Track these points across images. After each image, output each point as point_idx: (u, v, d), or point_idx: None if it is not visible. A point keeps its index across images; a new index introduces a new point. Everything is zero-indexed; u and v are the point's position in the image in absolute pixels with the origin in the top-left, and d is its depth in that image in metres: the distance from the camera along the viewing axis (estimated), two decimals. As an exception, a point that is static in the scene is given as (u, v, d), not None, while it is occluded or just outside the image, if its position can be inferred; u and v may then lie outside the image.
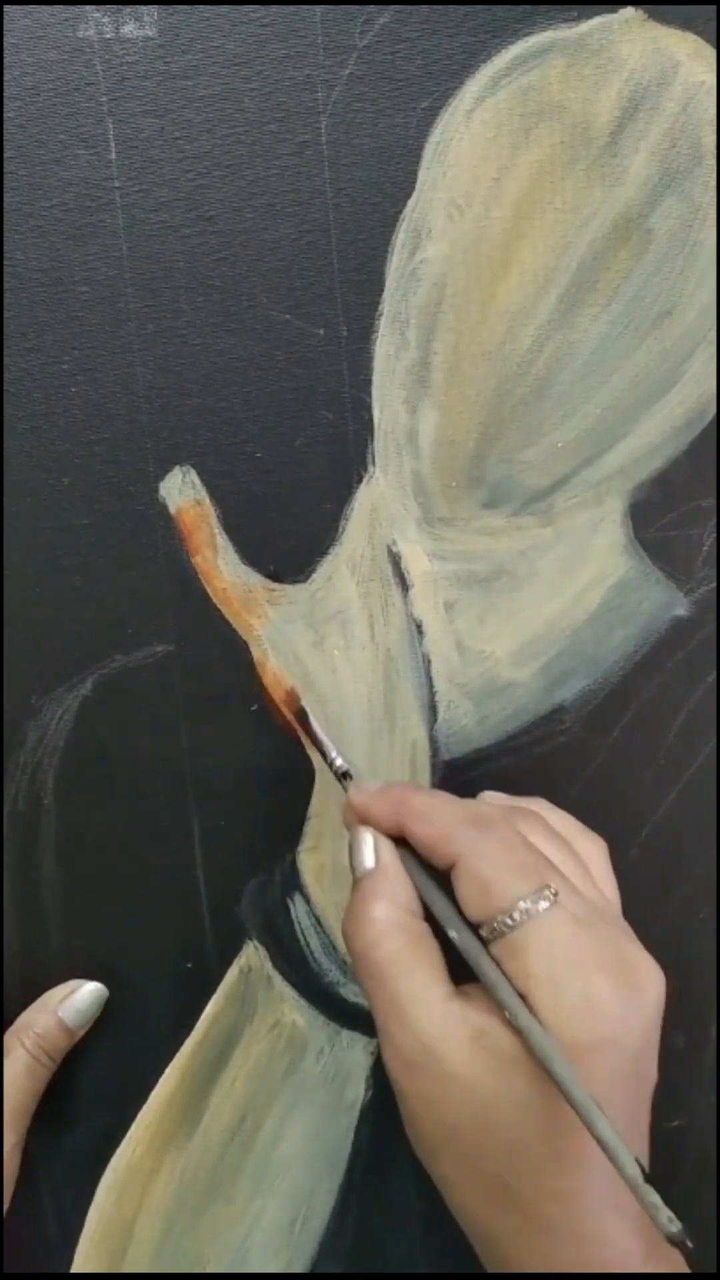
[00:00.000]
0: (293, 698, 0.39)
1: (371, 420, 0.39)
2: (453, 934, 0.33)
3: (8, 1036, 0.38)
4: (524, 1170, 0.31)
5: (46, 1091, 0.39)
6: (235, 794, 0.40)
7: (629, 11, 0.38)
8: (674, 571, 0.41)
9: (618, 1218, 0.30)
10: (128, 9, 0.36)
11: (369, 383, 0.39)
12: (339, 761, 0.37)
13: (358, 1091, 0.42)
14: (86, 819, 0.40)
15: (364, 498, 0.39)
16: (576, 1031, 0.30)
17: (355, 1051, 0.41)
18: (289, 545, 0.39)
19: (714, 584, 0.41)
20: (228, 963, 0.41)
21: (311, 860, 0.41)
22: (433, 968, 0.33)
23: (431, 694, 0.40)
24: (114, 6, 0.36)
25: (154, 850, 0.40)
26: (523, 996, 0.31)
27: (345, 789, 0.37)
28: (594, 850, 0.37)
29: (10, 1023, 0.39)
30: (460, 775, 0.41)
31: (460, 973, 0.33)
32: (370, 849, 0.35)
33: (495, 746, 0.41)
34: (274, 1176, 0.41)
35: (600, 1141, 0.28)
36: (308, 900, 0.41)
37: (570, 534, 0.40)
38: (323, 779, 0.40)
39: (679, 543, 0.41)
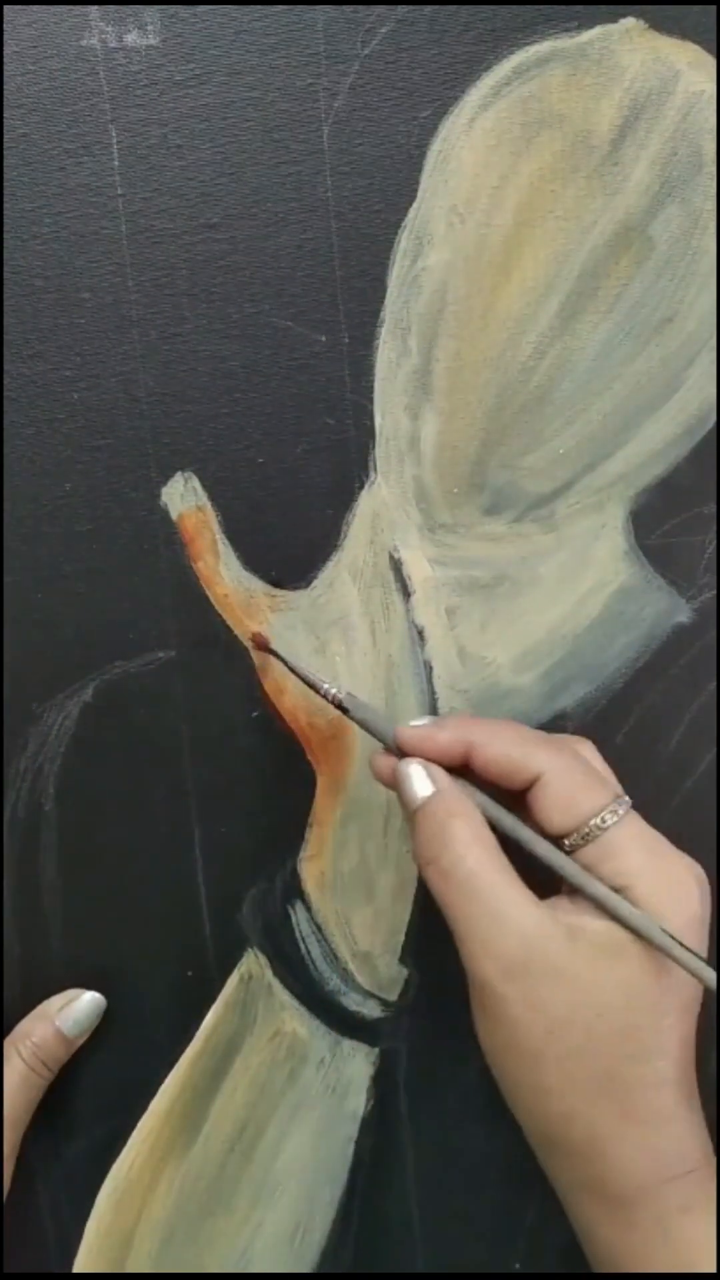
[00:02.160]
0: (260, 640, 0.39)
1: (373, 426, 0.39)
2: (526, 842, 0.34)
3: (5, 1045, 0.38)
4: (632, 1055, 0.32)
5: (45, 1100, 0.39)
6: (236, 801, 0.40)
7: (629, 21, 0.38)
8: (675, 578, 0.41)
9: (695, 1114, 0.33)
10: (131, 19, 0.36)
11: (371, 389, 0.39)
12: (334, 691, 0.37)
13: (358, 1102, 0.41)
14: (87, 825, 0.39)
15: (366, 504, 0.39)
16: (675, 913, 0.33)
17: (356, 1061, 0.41)
18: (290, 551, 0.39)
19: (715, 591, 0.41)
20: (228, 971, 0.41)
21: (312, 868, 0.40)
22: (516, 877, 0.34)
23: (433, 700, 0.40)
24: (117, 17, 0.36)
25: (154, 857, 0.40)
26: (621, 891, 0.33)
27: (355, 719, 0.37)
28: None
29: (8, 1029, 0.39)
30: (462, 782, 0.41)
31: None
32: (425, 776, 0.35)
33: (497, 753, 0.40)
34: (274, 1187, 0.41)
35: (686, 968, 0.32)
36: (309, 908, 0.41)
37: (572, 540, 0.40)
38: (324, 785, 0.40)
39: (681, 549, 0.41)
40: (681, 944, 0.32)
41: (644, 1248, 0.33)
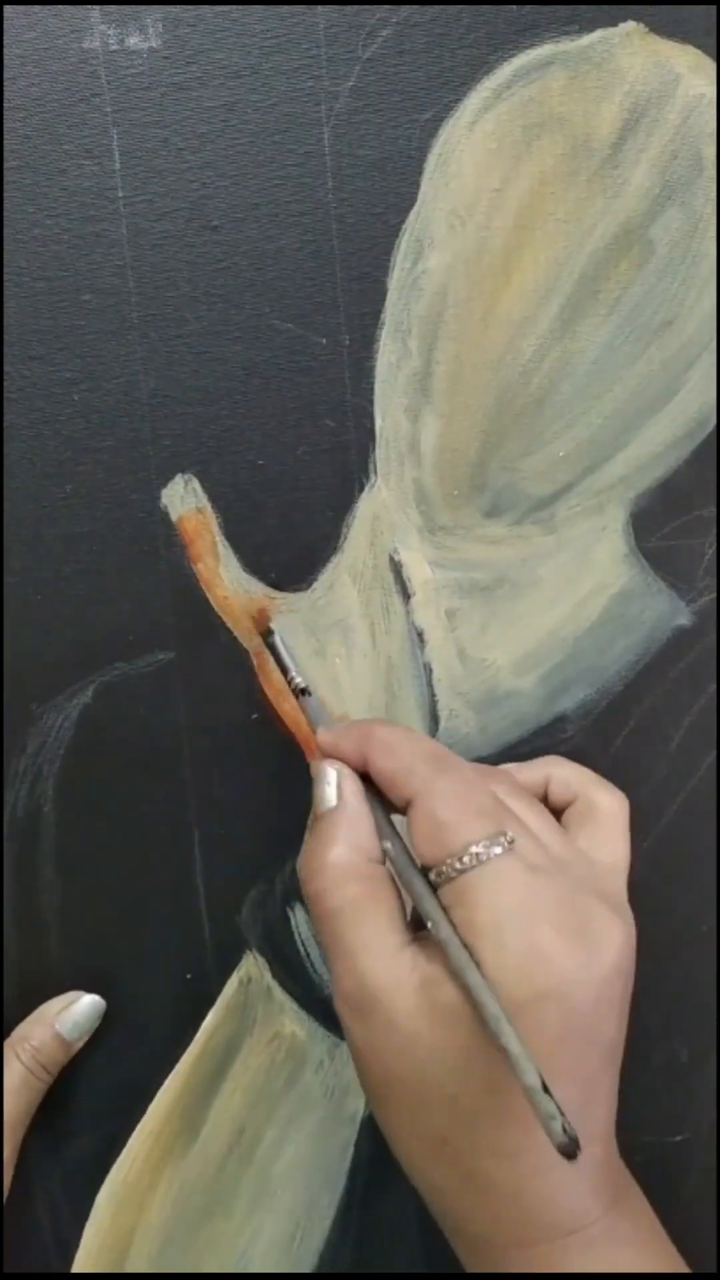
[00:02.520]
0: (263, 617, 0.39)
1: (373, 429, 0.39)
2: (399, 877, 0.32)
3: (4, 1048, 0.38)
4: (463, 1125, 0.30)
5: (44, 1103, 0.39)
6: (236, 803, 0.40)
7: (630, 25, 0.38)
8: (675, 581, 0.41)
9: (569, 1176, 0.30)
10: (133, 21, 0.36)
11: (371, 391, 0.39)
12: (298, 680, 0.37)
13: (357, 1104, 0.41)
14: (86, 827, 0.39)
15: (366, 506, 0.39)
16: (517, 983, 0.29)
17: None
18: (290, 553, 0.39)
19: (715, 593, 0.41)
20: (227, 973, 0.40)
21: (312, 870, 0.40)
22: (388, 915, 0.31)
23: (433, 702, 0.40)
24: (119, 19, 0.36)
25: (154, 859, 0.40)
26: (468, 944, 0.30)
27: (302, 706, 0.36)
28: (610, 803, 0.36)
29: (7, 1032, 0.39)
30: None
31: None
32: (333, 784, 0.33)
33: (496, 756, 0.41)
34: (273, 1190, 0.41)
35: (505, 1051, 0.27)
36: (308, 910, 0.40)
37: (572, 543, 0.40)
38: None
39: (680, 552, 0.41)
40: (507, 1022, 0.28)
41: None
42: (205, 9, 0.37)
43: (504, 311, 0.39)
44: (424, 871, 0.31)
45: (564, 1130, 0.26)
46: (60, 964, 0.40)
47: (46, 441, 0.38)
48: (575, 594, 0.40)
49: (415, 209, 0.38)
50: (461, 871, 0.30)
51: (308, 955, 0.41)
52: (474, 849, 0.30)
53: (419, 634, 0.40)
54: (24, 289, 0.37)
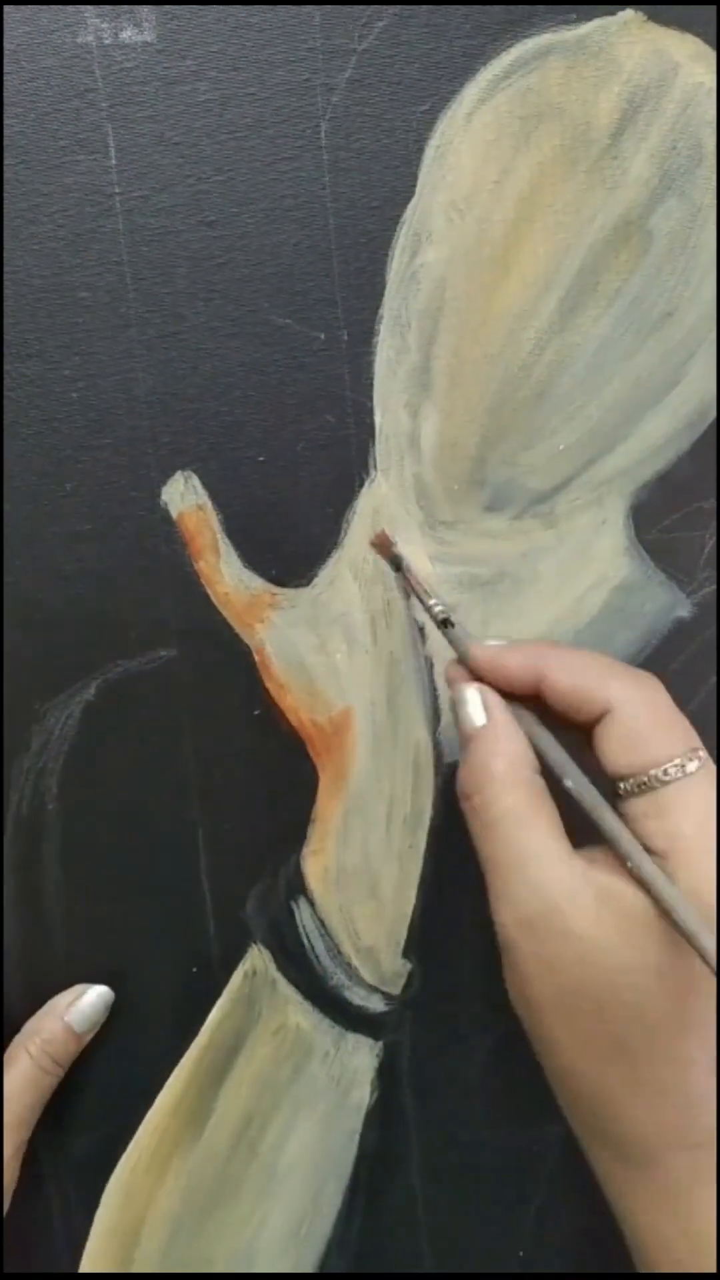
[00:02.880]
0: (385, 540, 0.38)
1: (373, 424, 0.39)
2: (570, 785, 0.32)
3: (14, 1044, 0.38)
4: (642, 1032, 0.31)
5: (53, 1096, 0.39)
6: (239, 798, 0.40)
7: (628, 13, 0.38)
8: (676, 573, 0.41)
9: None
10: (127, 15, 0.36)
11: (370, 387, 0.39)
12: (439, 608, 0.36)
13: (363, 1095, 0.42)
14: (90, 824, 0.40)
15: (366, 501, 0.39)
16: (713, 896, 0.30)
17: (360, 1055, 0.41)
18: (291, 549, 0.39)
19: (715, 585, 0.41)
20: (232, 967, 0.41)
21: (315, 864, 0.41)
22: (555, 824, 0.32)
23: (434, 697, 0.40)
24: (113, 13, 0.36)
25: (158, 855, 0.40)
26: (660, 854, 0.30)
27: (448, 637, 0.36)
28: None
29: (15, 1028, 0.39)
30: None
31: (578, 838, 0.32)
32: (480, 705, 0.34)
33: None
34: (280, 1180, 0.41)
35: (706, 958, 0.28)
36: (312, 904, 0.41)
37: (572, 536, 0.40)
38: (326, 781, 0.40)
39: (681, 544, 0.41)
40: (689, 913, 0.29)
41: (653, 1211, 0.32)
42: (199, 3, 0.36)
43: (503, 304, 0.39)
44: (613, 783, 0.32)
45: None
46: (66, 960, 0.40)
47: (46, 440, 0.38)
48: (576, 587, 0.40)
49: (413, 202, 0.38)
50: (665, 783, 0.31)
51: (312, 948, 0.41)
52: (676, 761, 0.31)
53: (420, 629, 0.40)
54: (21, 286, 0.37)
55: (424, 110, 0.38)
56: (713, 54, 0.38)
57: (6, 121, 0.36)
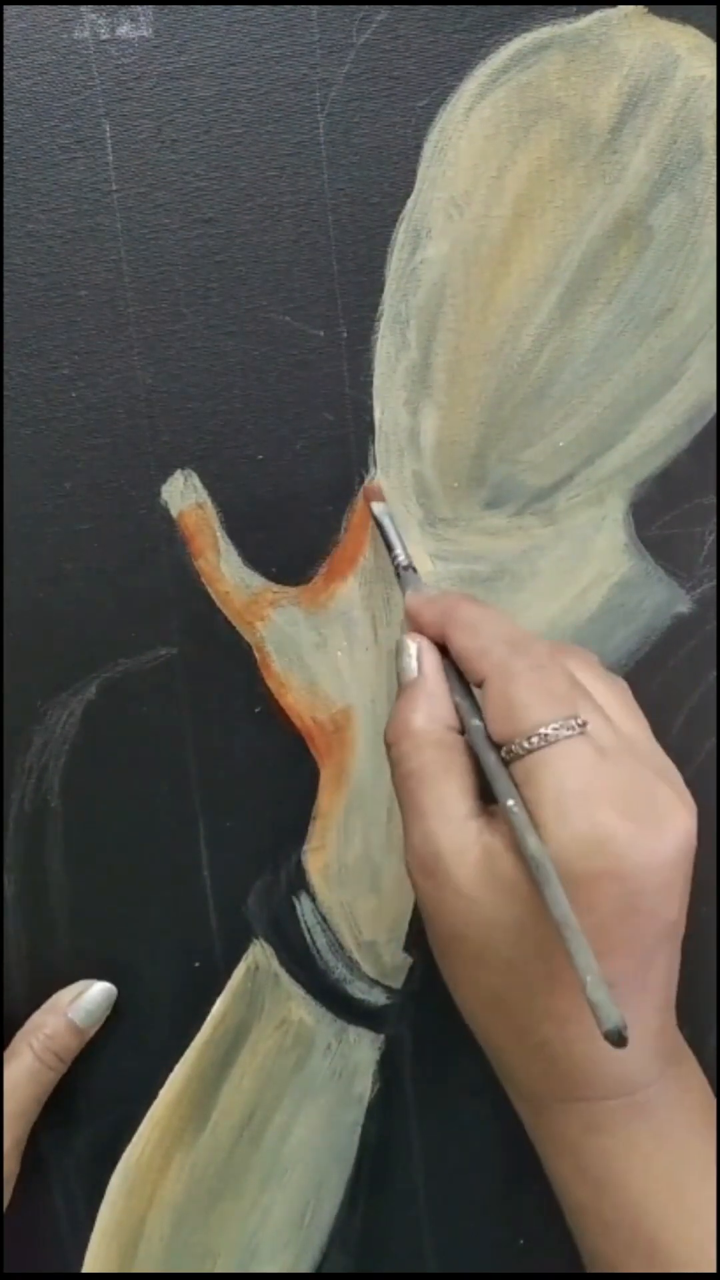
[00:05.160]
0: (376, 492, 0.39)
1: (372, 421, 0.39)
2: (478, 750, 0.33)
3: (17, 1039, 0.39)
4: (518, 987, 0.32)
5: (56, 1091, 0.39)
6: (240, 795, 0.40)
7: (628, 6, 0.37)
8: (676, 569, 0.41)
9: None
10: (123, 10, 0.36)
11: (370, 384, 0.39)
12: (401, 557, 0.37)
13: (365, 1086, 0.42)
14: (92, 821, 0.40)
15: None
16: (577, 860, 0.30)
17: (362, 1047, 0.42)
18: (291, 547, 0.39)
19: (715, 581, 0.41)
20: (235, 962, 0.41)
21: (317, 859, 0.41)
22: (460, 782, 0.33)
23: (435, 694, 0.40)
24: (109, 9, 0.36)
25: (160, 852, 0.40)
26: (533, 820, 0.31)
27: (403, 584, 0.37)
28: (615, 690, 0.36)
29: (17, 1024, 0.39)
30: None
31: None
32: (413, 657, 0.35)
33: (498, 745, 0.41)
34: (283, 1171, 0.42)
35: (560, 927, 0.28)
36: (314, 899, 0.41)
37: (572, 533, 0.40)
38: (327, 777, 0.41)
39: (681, 540, 0.41)
40: (556, 889, 0.29)
41: (552, 1156, 0.34)
42: (197, -4, 0.36)
43: (503, 301, 0.38)
44: (496, 748, 0.32)
45: (608, 1019, 0.27)
46: (70, 956, 0.40)
47: (45, 439, 0.38)
48: (576, 584, 0.40)
49: (412, 198, 0.38)
50: (530, 751, 0.31)
51: (313, 942, 0.41)
52: (543, 730, 0.31)
53: (420, 626, 0.40)
54: (19, 285, 0.37)
55: (423, 105, 0.37)
56: (713, 46, 0.38)
57: (3, 119, 0.36)
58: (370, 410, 0.39)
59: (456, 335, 0.38)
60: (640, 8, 0.37)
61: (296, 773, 0.40)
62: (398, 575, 0.38)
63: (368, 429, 0.39)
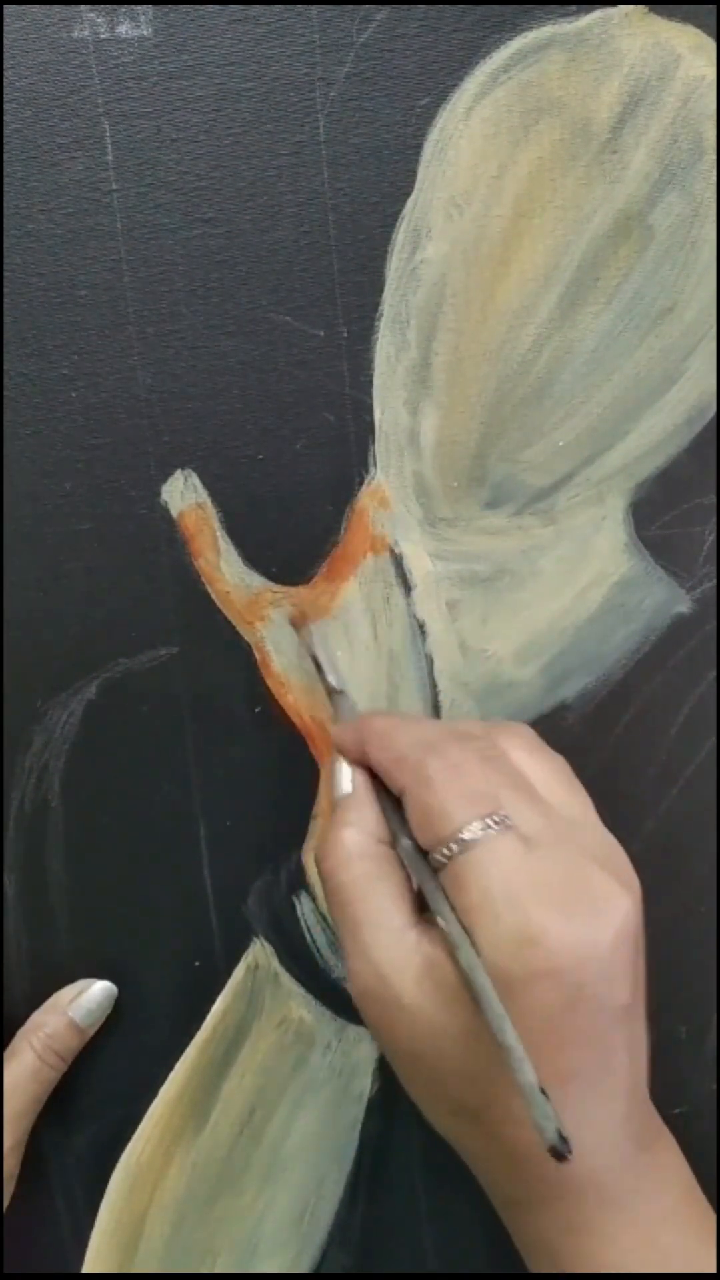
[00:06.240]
0: (302, 619, 0.39)
1: (372, 421, 0.39)
2: (407, 863, 0.33)
3: (18, 1038, 0.39)
4: (477, 1095, 0.31)
5: (56, 1090, 0.39)
6: (240, 795, 0.40)
7: (629, 5, 0.37)
8: (675, 569, 0.41)
9: (587, 1135, 0.30)
10: (123, 9, 0.36)
11: (370, 384, 0.39)
12: (331, 680, 0.38)
13: (364, 1085, 0.42)
14: (93, 821, 0.40)
15: (366, 499, 0.39)
16: (512, 962, 0.29)
17: (362, 1046, 0.42)
18: (291, 547, 0.39)
19: (715, 581, 0.41)
20: (235, 961, 0.41)
21: (317, 859, 0.41)
22: (394, 895, 0.32)
23: (434, 693, 0.41)
24: (109, 8, 0.36)
25: (160, 851, 0.40)
26: (465, 927, 0.30)
27: (333, 704, 0.37)
28: (552, 767, 0.35)
29: (17, 1024, 0.39)
30: (464, 773, 0.41)
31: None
32: (345, 775, 0.35)
33: (498, 745, 0.41)
34: (282, 1169, 0.42)
35: (503, 1049, 0.28)
36: (313, 898, 0.41)
37: (572, 533, 0.40)
38: (327, 777, 0.41)
39: (680, 540, 0.41)
40: (488, 995, 0.29)
41: (537, 1261, 0.33)
42: (196, -5, 0.36)
43: (503, 301, 0.38)
44: (425, 857, 0.32)
45: (555, 1134, 0.27)
46: (70, 956, 0.40)
47: (45, 439, 0.38)
48: (575, 584, 0.40)
49: (412, 197, 0.38)
50: (454, 855, 0.31)
51: (314, 942, 0.41)
52: (463, 834, 0.31)
53: (420, 626, 0.40)
54: (18, 285, 0.37)
55: (423, 105, 0.37)
56: (714, 46, 0.38)
57: (2, 117, 0.36)
58: (370, 410, 0.39)
59: (457, 335, 0.38)
60: (641, 7, 0.37)
61: (296, 772, 0.40)
62: (330, 698, 0.38)
63: (368, 429, 0.39)
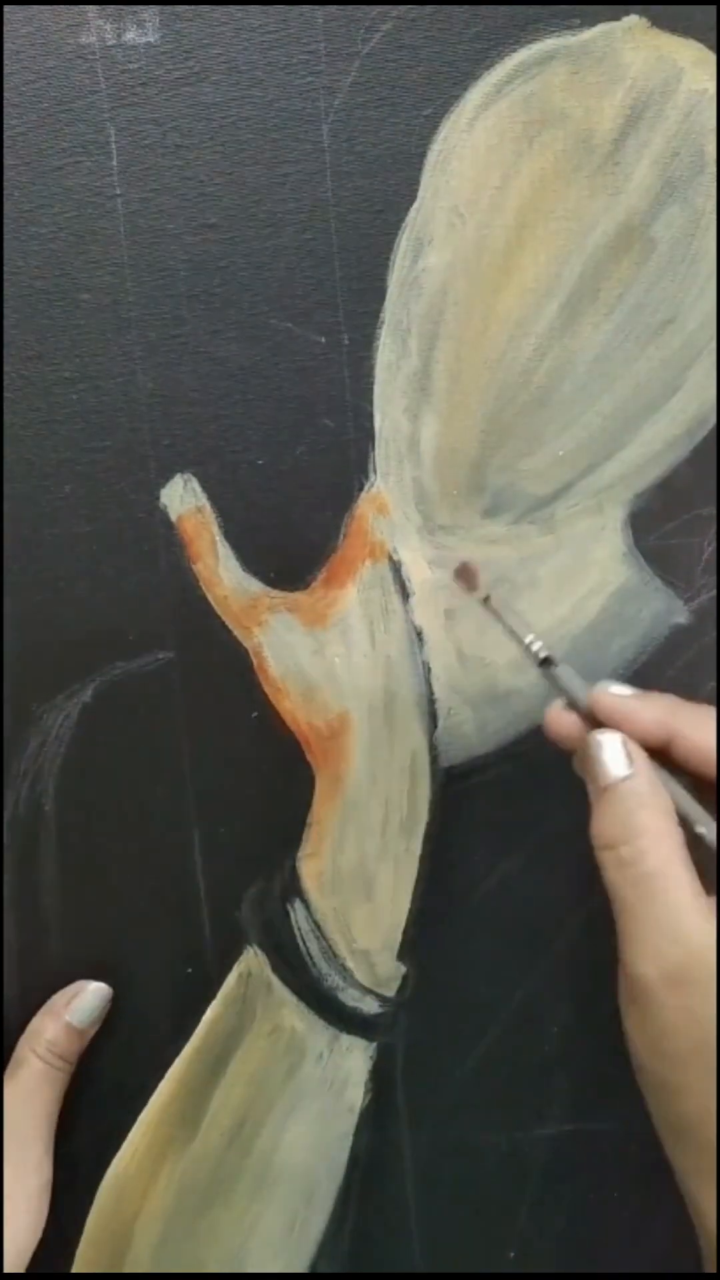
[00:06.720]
0: (470, 573, 0.36)
1: (373, 428, 0.39)
2: (704, 834, 0.32)
3: (20, 1047, 0.39)
4: None
5: (46, 1096, 0.39)
6: (235, 801, 0.40)
7: (632, 19, 0.38)
8: (674, 579, 0.41)
9: None
10: (130, 16, 0.36)
11: (370, 391, 0.39)
12: (537, 645, 0.35)
13: (356, 1096, 0.42)
14: (87, 825, 0.40)
15: (365, 506, 0.39)
16: None
17: (354, 1056, 0.42)
18: (290, 552, 0.39)
19: (714, 592, 0.41)
20: (227, 968, 0.41)
21: (311, 866, 0.41)
22: (695, 877, 0.32)
23: (431, 701, 0.40)
24: (116, 14, 0.36)
25: (154, 856, 0.40)
26: None
27: (551, 676, 0.35)
28: None
29: (10, 1028, 0.39)
30: (460, 782, 0.41)
31: None
32: (622, 754, 0.33)
33: (495, 754, 0.41)
34: (272, 1180, 0.41)
35: None
36: (307, 906, 0.41)
37: (571, 542, 0.40)
38: (323, 784, 0.40)
39: (679, 551, 0.41)
40: None
41: None
42: (203, 4, 0.36)
43: (504, 310, 0.39)
44: None
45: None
46: (63, 961, 0.40)
47: (45, 442, 0.38)
48: (574, 593, 0.40)
49: (415, 206, 0.38)
50: None
51: (307, 950, 0.41)
52: None
53: (418, 633, 0.40)
54: (22, 288, 0.37)
55: (427, 114, 0.38)
56: (714, 60, 0.38)
57: (8, 122, 0.36)
58: (370, 417, 0.39)
59: (457, 343, 0.39)
60: (644, 20, 0.38)
61: (292, 778, 0.40)
62: (540, 666, 0.35)
63: (368, 436, 0.39)
